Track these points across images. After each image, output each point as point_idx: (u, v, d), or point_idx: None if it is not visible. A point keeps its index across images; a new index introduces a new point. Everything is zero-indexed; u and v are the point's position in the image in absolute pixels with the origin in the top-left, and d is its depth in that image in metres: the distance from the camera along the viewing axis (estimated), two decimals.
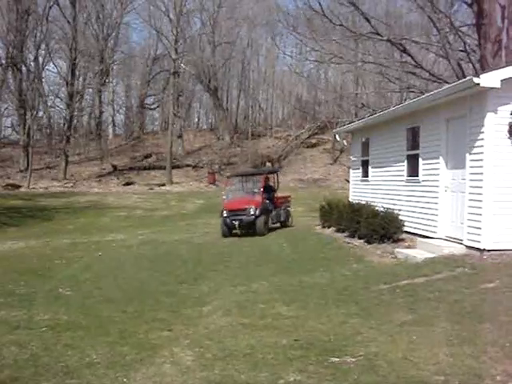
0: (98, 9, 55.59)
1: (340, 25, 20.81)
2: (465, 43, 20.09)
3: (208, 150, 55.45)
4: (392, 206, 13.99)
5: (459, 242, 11.34)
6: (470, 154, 11.05)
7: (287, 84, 61.16)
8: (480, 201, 10.68)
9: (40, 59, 54.17)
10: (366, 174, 17.87)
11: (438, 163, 12.43)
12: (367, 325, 7.03)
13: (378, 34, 20.88)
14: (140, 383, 5.42)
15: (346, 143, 20.90)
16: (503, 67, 10.89)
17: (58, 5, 52.13)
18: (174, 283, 10.75)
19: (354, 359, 5.80)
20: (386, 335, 6.58)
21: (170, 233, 20.75)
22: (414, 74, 21.74)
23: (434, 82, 21.52)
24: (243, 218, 18.37)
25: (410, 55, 21.16)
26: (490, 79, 10.17)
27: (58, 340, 6.96)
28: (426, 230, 12.89)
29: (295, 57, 54.34)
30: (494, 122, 10.55)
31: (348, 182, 32.04)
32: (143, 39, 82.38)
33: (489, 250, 10.45)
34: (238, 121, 62.43)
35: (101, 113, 59.73)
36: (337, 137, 20.62)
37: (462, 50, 20.60)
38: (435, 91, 12.65)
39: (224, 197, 20.53)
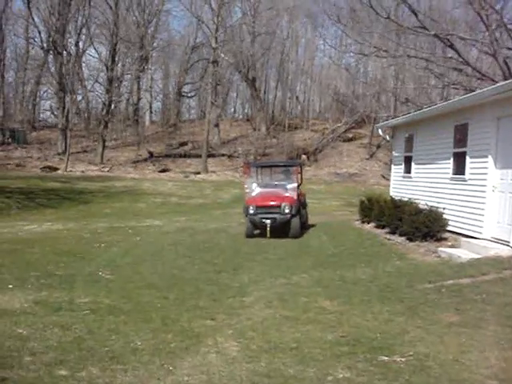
0: None
1: (387, 17, 20.52)
2: None
3: (244, 140, 55.39)
4: (435, 204, 13.70)
5: (506, 243, 11.03)
6: None
7: (325, 77, 60.70)
8: None
9: (81, 44, 54.89)
10: (408, 170, 17.50)
11: (487, 162, 12.07)
12: (414, 324, 6.87)
13: (424, 28, 20.55)
14: (186, 372, 5.33)
15: (388, 138, 20.52)
16: None
17: None
18: (213, 272, 10.67)
19: (403, 359, 5.64)
20: (434, 335, 6.41)
21: (206, 221, 20.73)
22: (460, 70, 21.36)
23: (479, 78, 21.13)
24: (276, 216, 15.64)
25: (456, 51, 20.79)
26: None
27: (101, 324, 6.93)
28: (471, 230, 12.56)
29: (335, 49, 54.00)
30: None
31: (384, 177, 31.73)
32: (183, 27, 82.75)
33: None
34: (275, 112, 62.22)
35: (139, 99, 60.17)
36: (379, 131, 20.25)
37: (509, 48, 20.20)
38: (486, 88, 12.32)
39: (247, 190, 17.40)
